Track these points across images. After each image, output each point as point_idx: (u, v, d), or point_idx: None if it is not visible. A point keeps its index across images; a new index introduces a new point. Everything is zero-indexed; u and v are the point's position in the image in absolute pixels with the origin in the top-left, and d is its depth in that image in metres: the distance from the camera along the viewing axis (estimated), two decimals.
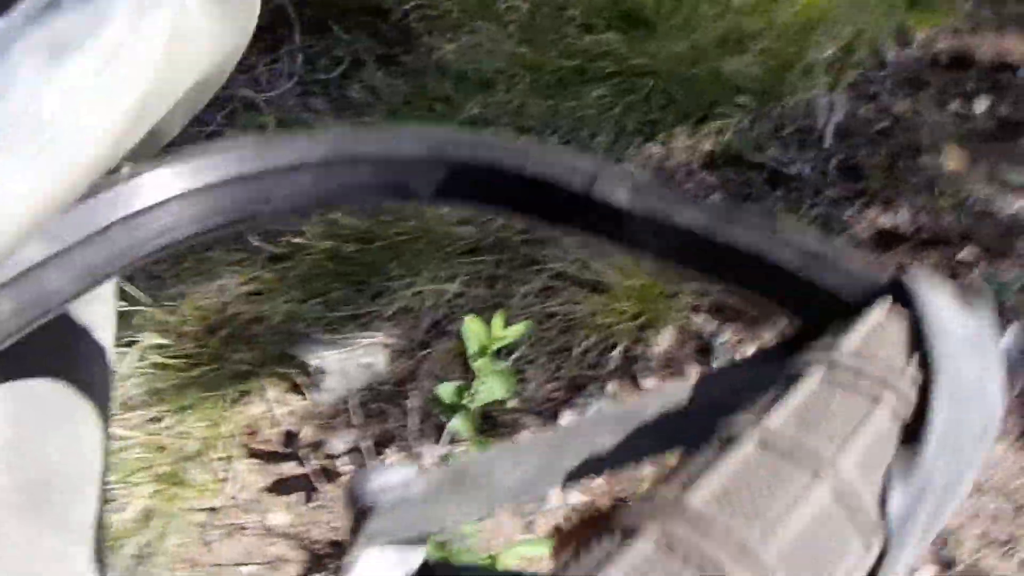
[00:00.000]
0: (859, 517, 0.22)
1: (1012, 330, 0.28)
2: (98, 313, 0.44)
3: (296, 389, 1.40)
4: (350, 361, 1.37)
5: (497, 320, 1.26)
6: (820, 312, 0.30)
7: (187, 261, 1.46)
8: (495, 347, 1.26)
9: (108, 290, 0.47)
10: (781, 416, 0.24)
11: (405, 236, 1.47)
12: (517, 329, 1.27)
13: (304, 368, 1.38)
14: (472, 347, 1.26)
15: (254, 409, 1.39)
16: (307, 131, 0.36)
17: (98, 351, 0.43)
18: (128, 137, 0.31)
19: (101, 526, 0.44)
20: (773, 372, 0.26)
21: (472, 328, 1.26)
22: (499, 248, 1.48)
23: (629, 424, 0.28)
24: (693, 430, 0.26)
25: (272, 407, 1.39)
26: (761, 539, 0.20)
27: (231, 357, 1.38)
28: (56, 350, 0.41)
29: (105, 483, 0.44)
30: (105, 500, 0.44)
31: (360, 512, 0.29)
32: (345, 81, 1.85)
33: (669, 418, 0.28)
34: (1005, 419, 1.40)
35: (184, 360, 1.37)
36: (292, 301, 1.43)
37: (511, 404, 1.33)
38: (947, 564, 1.24)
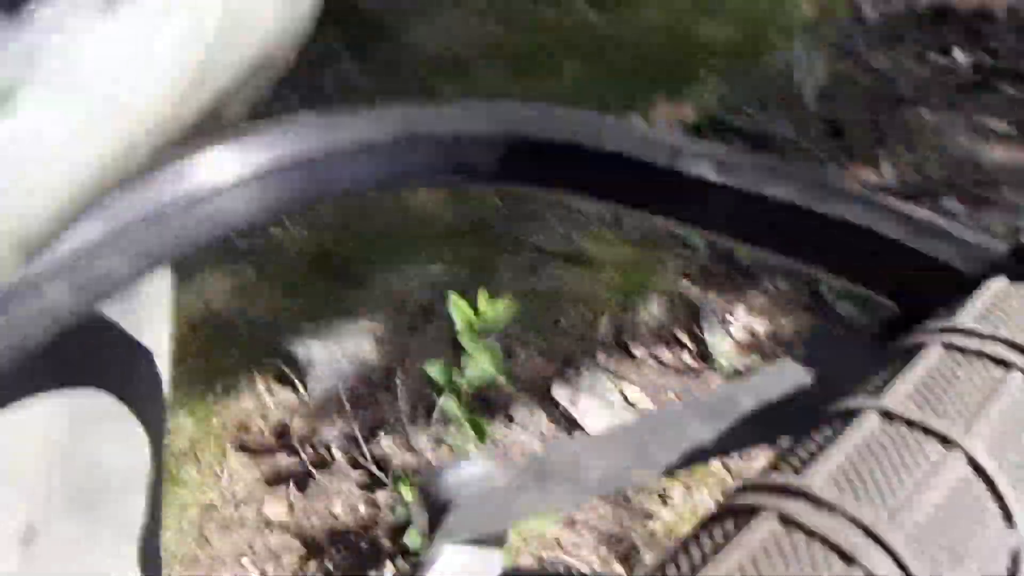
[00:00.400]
0: (997, 493, 0.20)
1: None
2: (154, 311, 0.43)
3: (285, 381, 1.41)
4: (337, 350, 1.38)
5: (482, 297, 1.27)
6: (931, 288, 0.27)
7: None
8: (482, 325, 1.27)
9: (164, 287, 0.46)
10: (903, 391, 0.22)
11: (385, 222, 1.48)
12: (503, 305, 1.28)
13: (292, 360, 1.39)
14: (459, 325, 1.27)
15: (244, 403, 1.39)
16: (371, 108, 0.33)
17: (152, 351, 0.42)
18: (187, 105, 0.29)
19: (156, 526, 0.43)
20: (880, 354, 0.24)
21: (458, 306, 1.27)
22: (480, 228, 1.48)
23: (725, 413, 0.27)
24: (798, 418, 0.24)
25: (262, 400, 1.39)
26: (889, 521, 0.19)
27: (217, 353, 1.39)
28: (112, 348, 0.40)
29: (159, 483, 0.43)
30: (159, 501, 0.44)
31: (438, 507, 0.27)
32: (317, 72, 1.85)
33: (771, 407, 0.27)
34: None
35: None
36: (275, 294, 1.43)
37: (502, 382, 1.34)
38: None
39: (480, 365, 1.28)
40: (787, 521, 0.18)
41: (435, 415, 1.33)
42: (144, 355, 0.42)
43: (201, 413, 1.38)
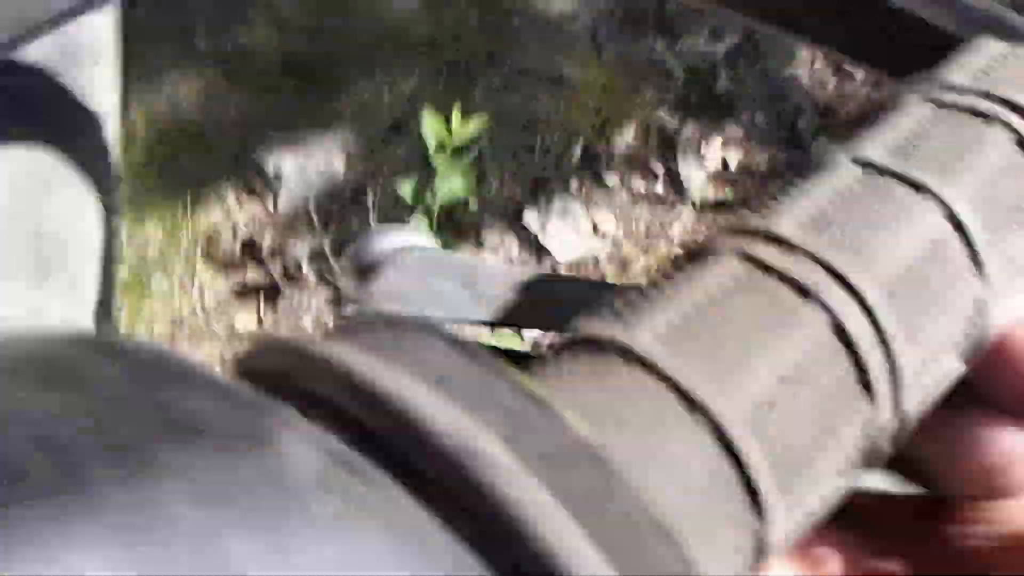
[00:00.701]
0: (970, 244, 0.20)
1: None
2: (99, 76, 0.42)
3: (254, 194, 1.40)
4: (308, 162, 1.36)
5: (455, 115, 1.25)
6: (921, 53, 0.26)
7: (132, 63, 1.41)
8: (455, 143, 1.26)
9: (110, 50, 0.44)
10: (881, 142, 0.22)
11: (359, 27, 1.43)
12: (476, 123, 1.26)
13: (261, 172, 1.38)
14: (431, 143, 1.26)
15: (212, 216, 1.39)
16: None
17: (99, 116, 0.41)
18: None
19: (109, 288, 0.43)
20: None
21: (430, 123, 1.26)
22: (457, 40, 1.44)
23: None
24: None
25: (230, 214, 1.39)
26: (860, 268, 0.19)
27: (184, 161, 1.37)
28: (53, 112, 0.39)
29: (112, 247, 0.43)
30: (113, 263, 0.44)
31: (362, 269, 0.28)
32: None
33: None
34: None
35: (135, 167, 1.35)
36: (243, 101, 1.40)
37: (473, 203, 1.34)
38: None
39: (452, 185, 1.28)
40: (749, 260, 0.18)
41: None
42: (88, 118, 0.41)
43: (170, 224, 1.37)
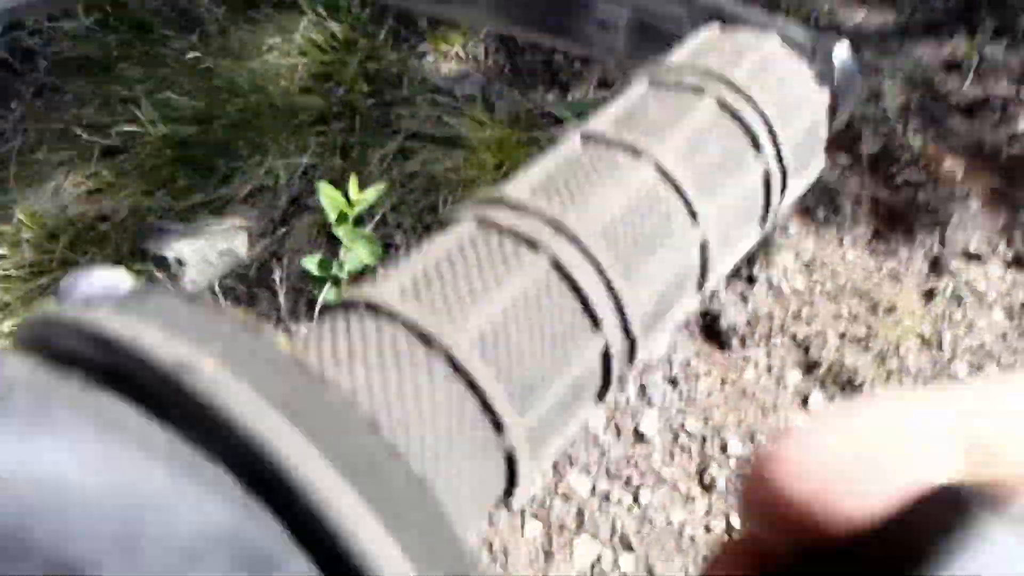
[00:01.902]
0: (682, 194, 0.23)
1: (840, 45, 0.29)
2: None
3: (155, 283, 1.39)
4: (209, 249, 1.37)
5: (352, 184, 1.28)
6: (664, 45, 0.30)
7: (11, 164, 1.40)
8: (355, 213, 1.28)
9: None
10: (604, 117, 0.25)
11: (247, 111, 1.45)
12: (374, 191, 1.29)
13: (161, 262, 1.37)
14: (331, 215, 1.28)
15: None
16: None
17: None
18: None
19: None
20: None
21: (328, 195, 1.28)
22: (348, 114, 1.48)
23: None
24: None
25: None
26: (579, 218, 0.21)
27: (80, 260, 1.35)
28: None
29: None
30: None
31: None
32: None
33: None
34: (856, 221, 1.48)
35: (28, 270, 1.33)
36: (136, 194, 1.40)
37: (381, 269, 1.36)
38: (811, 366, 1.36)
39: (357, 254, 1.30)
40: (484, 222, 0.21)
41: (317, 309, 1.35)
42: None
43: None
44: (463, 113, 1.48)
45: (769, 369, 1.36)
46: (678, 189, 0.23)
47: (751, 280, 1.42)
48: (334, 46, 1.53)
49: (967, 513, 0.13)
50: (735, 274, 1.40)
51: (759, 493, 0.15)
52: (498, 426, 0.18)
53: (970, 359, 1.37)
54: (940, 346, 1.39)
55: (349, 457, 0.13)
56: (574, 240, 0.21)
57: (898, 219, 1.50)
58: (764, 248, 1.43)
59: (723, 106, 0.25)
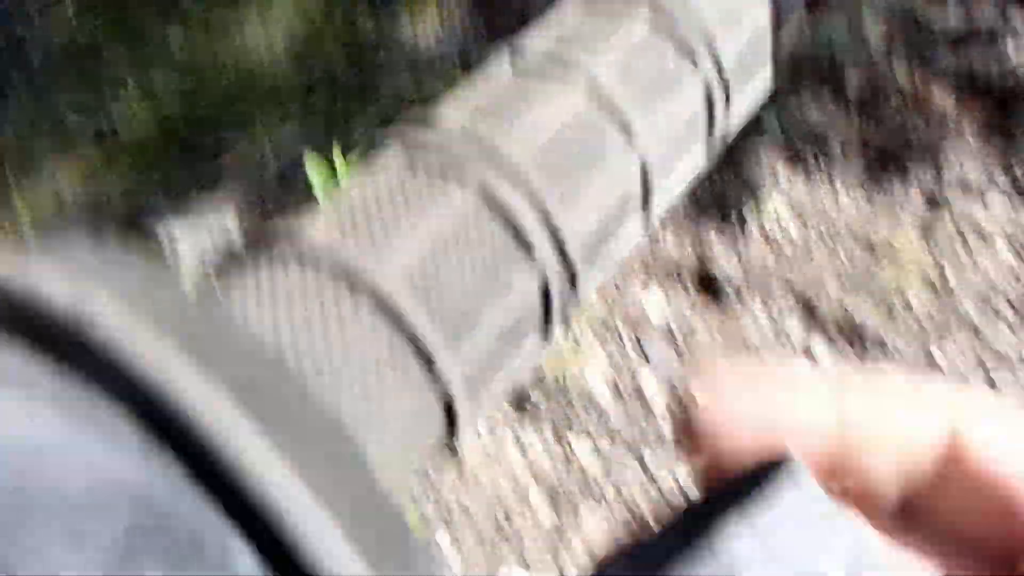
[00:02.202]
0: (618, 112, 0.22)
1: None
2: None
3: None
4: (200, 223, 1.39)
5: (337, 153, 1.29)
6: None
7: (7, 153, 1.42)
8: (341, 180, 1.29)
9: None
10: (535, 37, 0.24)
11: (231, 87, 1.46)
12: (359, 158, 1.30)
13: (155, 239, 1.40)
14: (318, 184, 1.29)
15: None
16: None
17: None
18: None
19: None
20: None
21: (314, 166, 1.29)
22: (329, 84, 1.49)
23: None
24: None
25: None
26: (511, 142, 0.20)
27: None
28: None
29: None
30: None
31: None
32: None
33: None
34: (847, 163, 1.44)
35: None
36: (126, 175, 1.42)
37: None
38: (812, 315, 1.34)
39: None
40: (411, 148, 0.20)
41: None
42: None
43: None
44: (440, 74, 1.48)
45: (770, 320, 1.35)
46: (612, 105, 0.22)
47: (742, 227, 1.41)
48: (312, 19, 1.54)
49: (771, 481, 0.14)
50: (723, 219, 1.40)
51: (687, 423, 0.16)
52: (429, 362, 0.17)
53: (977, 299, 1.34)
54: (946, 286, 1.37)
55: (254, 397, 0.12)
56: (504, 164, 0.20)
57: (890, 157, 1.48)
58: (753, 195, 1.42)
59: (657, 17, 0.24)
